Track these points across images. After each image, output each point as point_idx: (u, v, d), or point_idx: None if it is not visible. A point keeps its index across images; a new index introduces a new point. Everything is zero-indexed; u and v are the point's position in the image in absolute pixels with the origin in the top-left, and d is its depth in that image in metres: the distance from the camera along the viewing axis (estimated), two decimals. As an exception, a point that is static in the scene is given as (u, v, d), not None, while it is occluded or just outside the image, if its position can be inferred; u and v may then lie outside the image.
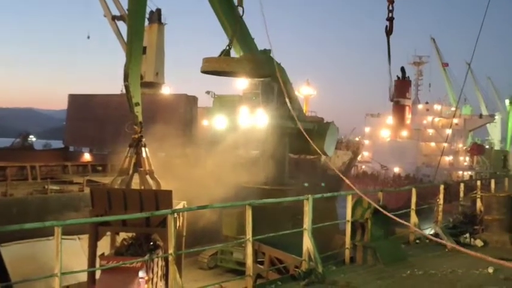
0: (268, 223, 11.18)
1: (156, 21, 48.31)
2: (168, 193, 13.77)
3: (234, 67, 23.88)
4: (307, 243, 9.41)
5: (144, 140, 18.91)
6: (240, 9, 13.04)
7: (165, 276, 12.39)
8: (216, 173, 26.84)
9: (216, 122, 34.52)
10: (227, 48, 20.14)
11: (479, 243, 12.91)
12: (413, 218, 13.35)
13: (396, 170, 68.61)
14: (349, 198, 10.70)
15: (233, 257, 23.86)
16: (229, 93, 37.72)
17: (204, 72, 23.64)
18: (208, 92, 36.77)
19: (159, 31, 48.31)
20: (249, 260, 8.40)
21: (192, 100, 42.97)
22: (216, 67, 23.73)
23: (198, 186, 23.76)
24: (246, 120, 33.20)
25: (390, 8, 20.93)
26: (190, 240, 14.89)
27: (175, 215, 8.85)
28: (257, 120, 32.98)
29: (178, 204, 14.88)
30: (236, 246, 21.91)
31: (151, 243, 13.06)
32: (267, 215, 12.79)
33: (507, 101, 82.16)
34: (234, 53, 27.53)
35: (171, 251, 7.61)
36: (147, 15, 41.19)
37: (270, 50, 36.70)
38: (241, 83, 35.61)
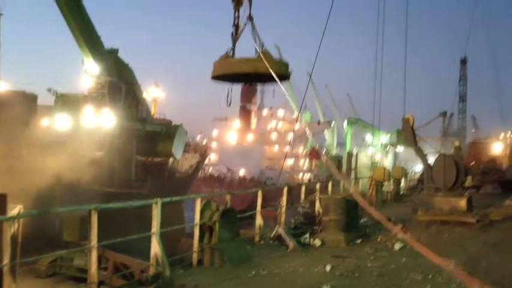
0: (113, 228, 10.78)
1: (-8, 10, 44.52)
2: (3, 197, 12.72)
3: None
4: (155, 247, 9.25)
5: (-26, 139, 17.46)
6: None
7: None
8: (55, 175, 25.46)
9: (57, 122, 32.73)
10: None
11: (317, 242, 13.63)
12: (259, 219, 13.81)
13: (242, 172, 70.58)
14: (198, 201, 10.72)
15: (74, 263, 22.71)
16: (73, 91, 35.98)
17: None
18: (49, 90, 34.76)
19: (-6, 21, 44.58)
20: (93, 267, 8.02)
21: (31, 98, 40.23)
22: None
23: (35, 189, 22.32)
24: (91, 120, 31.95)
25: (236, 14, 22.17)
26: (26, 247, 13.85)
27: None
28: (103, 120, 31.90)
29: (14, 209, 13.78)
30: (78, 252, 20.89)
31: None
32: (112, 219, 12.33)
33: (345, 122, 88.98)
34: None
35: (6, 260, 6.98)
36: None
37: (117, 50, 35.79)
38: (86, 82, 34.20)
